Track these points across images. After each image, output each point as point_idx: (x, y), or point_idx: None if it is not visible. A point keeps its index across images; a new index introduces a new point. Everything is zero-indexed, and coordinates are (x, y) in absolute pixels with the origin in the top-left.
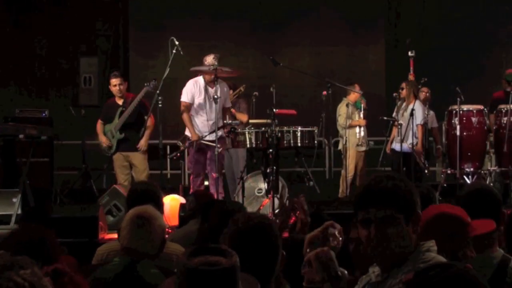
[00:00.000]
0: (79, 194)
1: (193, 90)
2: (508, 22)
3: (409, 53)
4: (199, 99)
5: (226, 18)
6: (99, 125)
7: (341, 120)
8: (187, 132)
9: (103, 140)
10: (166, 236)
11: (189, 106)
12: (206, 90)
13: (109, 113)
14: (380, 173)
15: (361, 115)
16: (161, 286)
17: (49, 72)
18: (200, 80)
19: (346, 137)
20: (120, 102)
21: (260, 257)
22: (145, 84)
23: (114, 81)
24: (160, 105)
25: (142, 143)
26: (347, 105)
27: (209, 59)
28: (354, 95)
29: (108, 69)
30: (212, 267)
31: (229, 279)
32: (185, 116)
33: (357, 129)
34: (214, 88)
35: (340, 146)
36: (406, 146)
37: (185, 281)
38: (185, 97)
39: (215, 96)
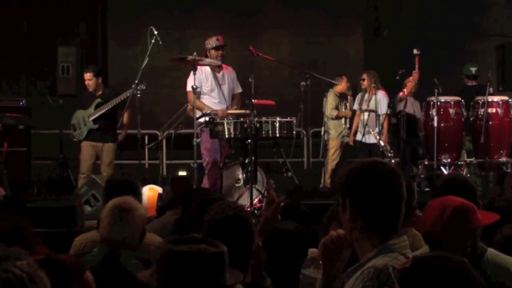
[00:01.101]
0: (56, 184)
1: (199, 76)
2: (484, 13)
3: (414, 51)
4: (206, 86)
5: (205, 8)
6: None
7: (328, 110)
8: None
9: None
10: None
11: (197, 94)
12: (214, 76)
13: (84, 101)
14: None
15: (348, 107)
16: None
17: (27, 61)
18: (204, 66)
19: (329, 128)
20: (97, 93)
21: (233, 248)
22: (133, 86)
23: (84, 76)
24: (138, 95)
25: (120, 140)
26: (334, 96)
27: (211, 41)
28: (341, 87)
29: (86, 58)
30: (206, 251)
31: (219, 264)
32: (196, 102)
33: (343, 120)
34: (221, 72)
35: (326, 136)
36: (373, 137)
37: (170, 268)
38: (189, 86)
39: (222, 82)
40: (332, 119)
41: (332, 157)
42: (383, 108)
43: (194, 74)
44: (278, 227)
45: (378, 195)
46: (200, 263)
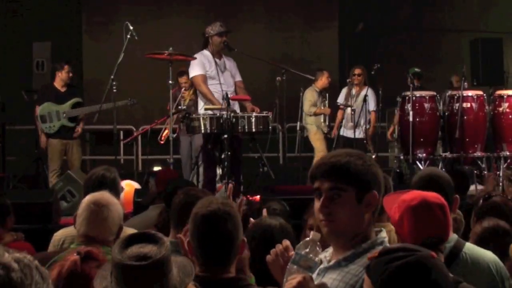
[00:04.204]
0: (32, 180)
1: (203, 61)
2: (458, 7)
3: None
4: (210, 71)
5: (180, 3)
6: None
7: (306, 106)
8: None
9: (43, 139)
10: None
11: (205, 78)
12: (215, 62)
13: (49, 95)
14: (343, 149)
15: (326, 104)
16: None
17: (1, 57)
18: (204, 52)
19: (307, 123)
20: (63, 90)
21: (217, 242)
22: (129, 99)
23: (68, 67)
24: (114, 90)
25: (79, 131)
26: (313, 92)
27: (214, 27)
28: (321, 82)
29: (60, 54)
30: (140, 262)
31: (158, 271)
32: (204, 88)
33: (322, 117)
34: (222, 60)
35: (306, 133)
36: (358, 132)
37: (116, 272)
38: (197, 70)
39: (223, 69)
40: (310, 115)
41: (320, 148)
42: (371, 105)
43: (223, 56)
44: (263, 223)
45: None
46: (140, 272)
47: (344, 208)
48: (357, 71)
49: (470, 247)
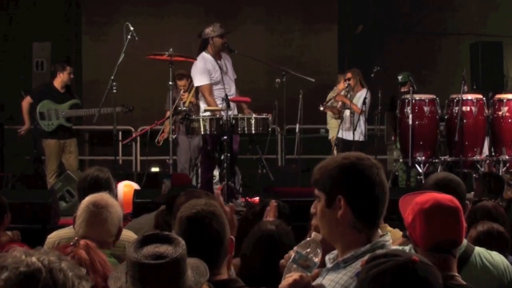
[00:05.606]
0: (30, 180)
1: (208, 67)
2: (458, 10)
3: None
4: (215, 77)
5: (180, 4)
6: (27, 103)
7: (328, 99)
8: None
9: (26, 124)
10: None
11: (211, 87)
12: (218, 65)
13: (48, 94)
14: (337, 155)
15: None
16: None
17: (1, 57)
18: (206, 56)
19: (330, 127)
20: (62, 90)
21: (204, 243)
22: (124, 105)
23: (70, 69)
24: (114, 91)
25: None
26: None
27: (215, 28)
28: (343, 84)
29: (60, 54)
30: (157, 261)
31: (174, 270)
32: (210, 98)
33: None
34: (222, 60)
35: (329, 136)
36: (358, 134)
37: (132, 272)
38: (203, 79)
39: (225, 71)
40: (330, 101)
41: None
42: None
43: (222, 56)
44: (262, 227)
45: (371, 190)
46: (157, 271)
47: (319, 214)
48: (347, 75)
49: (480, 251)
